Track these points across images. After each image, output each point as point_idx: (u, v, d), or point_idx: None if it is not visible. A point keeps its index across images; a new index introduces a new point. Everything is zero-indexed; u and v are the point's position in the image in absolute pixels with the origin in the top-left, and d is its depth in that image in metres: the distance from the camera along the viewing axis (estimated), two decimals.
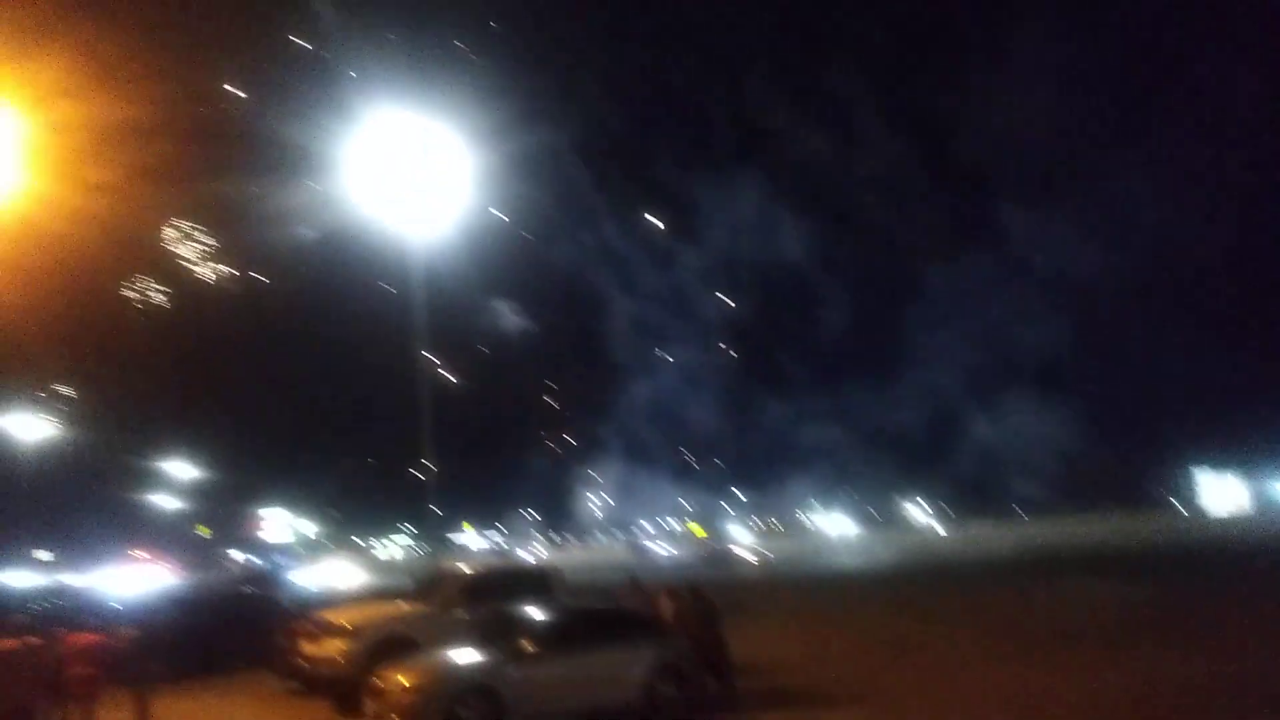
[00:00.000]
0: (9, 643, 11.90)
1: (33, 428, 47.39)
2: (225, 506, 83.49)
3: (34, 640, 12.43)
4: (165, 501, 68.84)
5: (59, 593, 29.45)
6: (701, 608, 14.52)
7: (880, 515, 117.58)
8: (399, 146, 25.27)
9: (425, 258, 27.38)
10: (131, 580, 44.06)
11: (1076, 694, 12.93)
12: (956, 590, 30.03)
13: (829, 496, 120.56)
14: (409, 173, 25.11)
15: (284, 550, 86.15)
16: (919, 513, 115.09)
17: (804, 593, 33.85)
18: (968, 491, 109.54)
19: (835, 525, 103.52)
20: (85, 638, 12.88)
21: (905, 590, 31.31)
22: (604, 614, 15.02)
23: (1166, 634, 17.73)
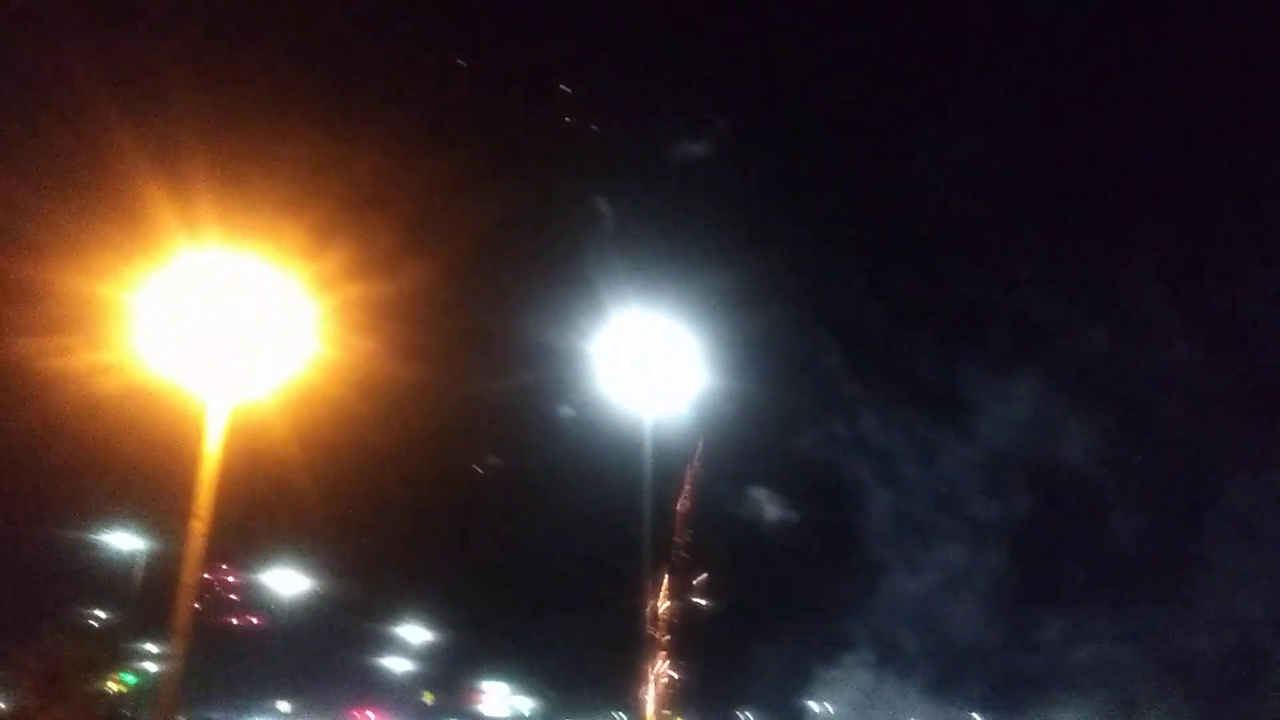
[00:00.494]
0: None
1: (291, 583, 51.39)
2: (450, 674, 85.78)
3: None
4: (397, 663, 71.72)
5: None
6: None
7: None
8: (648, 333, 26.68)
9: (667, 444, 28.20)
10: None
11: None
12: None
13: None
14: (653, 360, 26.34)
15: None
16: None
17: None
18: None
19: None
20: None
21: None
22: None
23: None
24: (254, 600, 56.18)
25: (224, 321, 17.23)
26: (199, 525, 16.19)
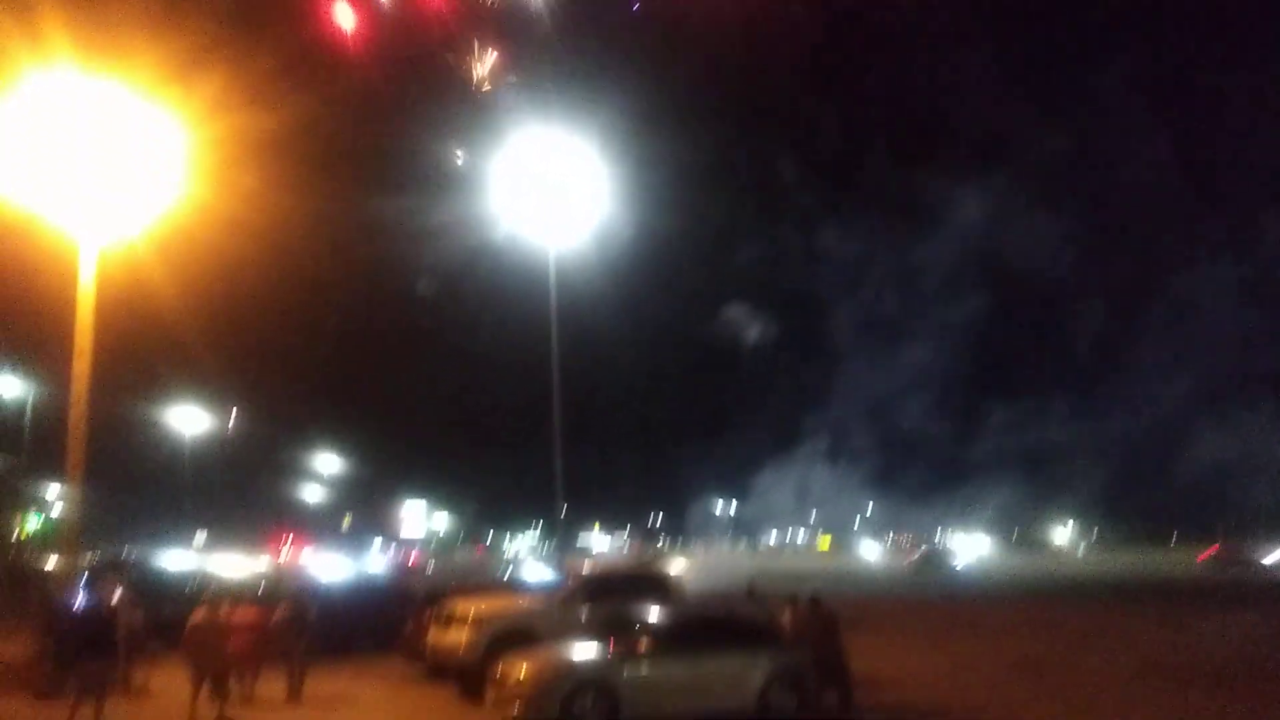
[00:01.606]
0: (206, 614, 13.01)
1: (193, 421, 50.73)
2: (367, 499, 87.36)
3: (228, 613, 13.52)
4: (312, 493, 72.61)
5: (210, 576, 31.46)
6: (821, 618, 14.26)
7: (1024, 537, 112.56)
8: (561, 149, 25.84)
9: (579, 271, 27.95)
10: (276, 566, 46.70)
11: None
12: (1101, 617, 28.48)
13: (980, 515, 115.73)
14: (559, 173, 25.62)
15: (419, 542, 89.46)
16: (1064, 535, 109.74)
17: (933, 609, 32.80)
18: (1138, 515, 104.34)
19: (972, 545, 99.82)
20: (250, 613, 14.08)
21: (1044, 613, 29.90)
22: (722, 619, 14.93)
23: None
24: (158, 437, 55.40)
25: (88, 154, 16.01)
26: (81, 365, 15.62)
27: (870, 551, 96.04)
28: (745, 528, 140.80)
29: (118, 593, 14.41)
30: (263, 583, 25.16)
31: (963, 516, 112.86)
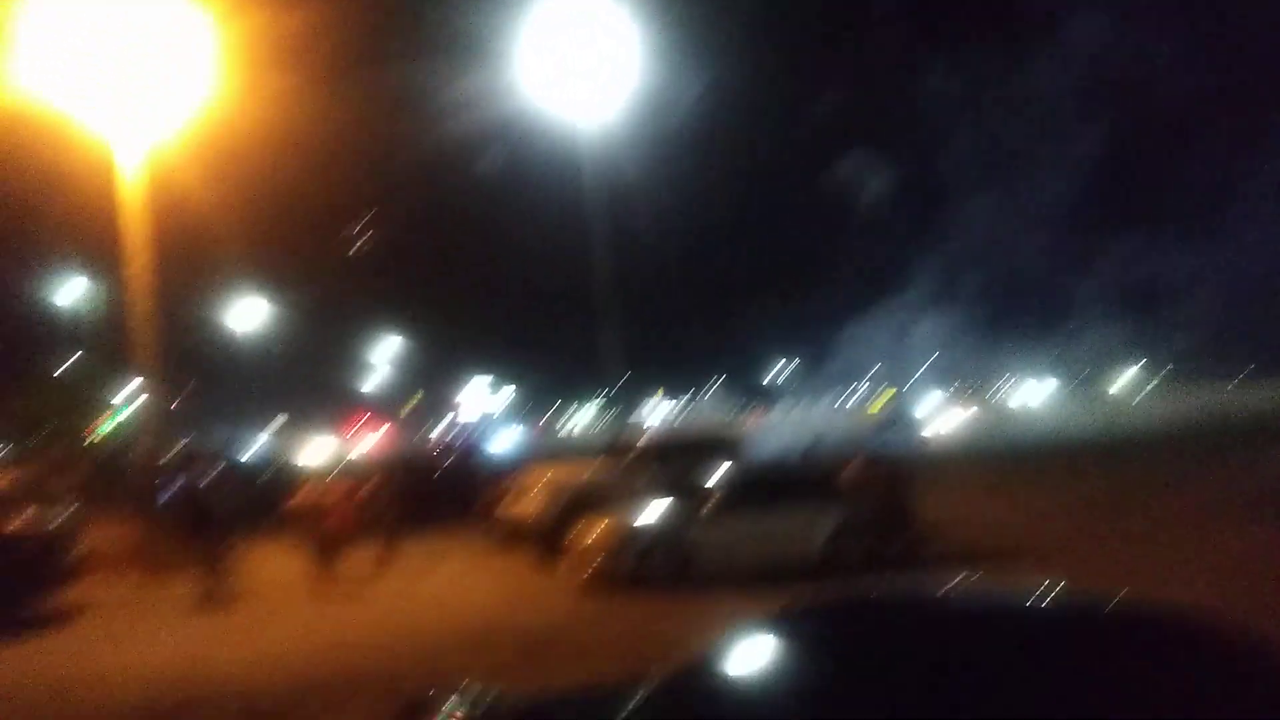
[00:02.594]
0: (310, 490, 14.42)
1: (249, 316, 51.96)
2: (433, 378, 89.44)
3: (327, 489, 14.70)
4: (380, 374, 74.72)
5: (297, 459, 32.89)
6: (887, 469, 14.40)
7: (1089, 384, 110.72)
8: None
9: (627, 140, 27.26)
10: (350, 446, 48.53)
11: None
12: (1172, 457, 28.25)
13: (1054, 360, 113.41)
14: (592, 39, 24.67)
15: (486, 417, 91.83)
16: (1124, 381, 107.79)
17: (1000, 460, 32.92)
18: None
19: (1037, 391, 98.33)
20: (345, 489, 14.95)
21: (1111, 456, 29.80)
22: (788, 472, 15.19)
23: None
24: (226, 332, 56.97)
25: (126, 56, 15.86)
26: (139, 262, 15.93)
27: (928, 405, 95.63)
28: (811, 387, 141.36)
29: (212, 474, 15.20)
30: (349, 461, 26.28)
31: (1038, 363, 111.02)
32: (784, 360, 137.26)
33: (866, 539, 13.23)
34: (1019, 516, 17.17)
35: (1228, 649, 2.80)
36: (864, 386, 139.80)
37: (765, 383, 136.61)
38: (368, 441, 60.62)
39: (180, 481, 15.79)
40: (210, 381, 62.08)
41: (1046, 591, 3.68)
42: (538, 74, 24.73)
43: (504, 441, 38.90)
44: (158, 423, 16.93)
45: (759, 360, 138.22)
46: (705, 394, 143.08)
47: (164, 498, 14.99)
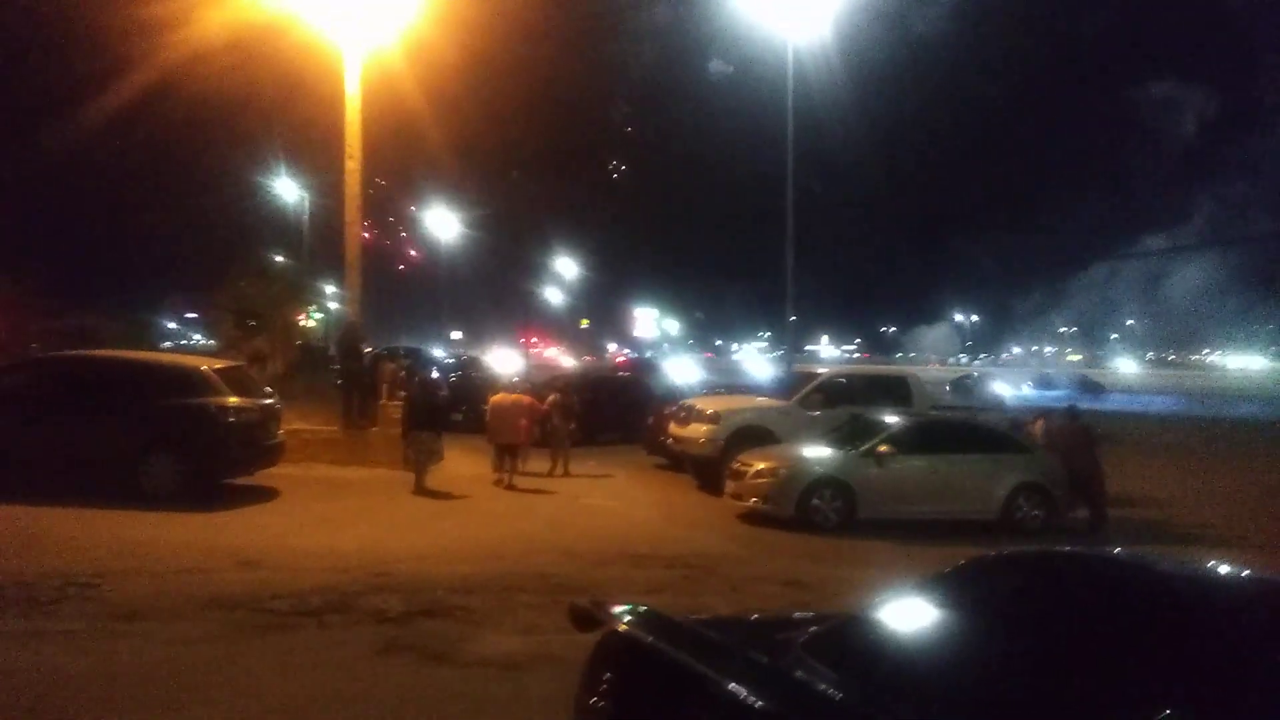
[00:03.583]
0: (506, 398, 15.19)
1: (448, 225, 53.90)
2: (605, 303, 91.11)
3: (519, 398, 15.45)
4: (554, 295, 76.57)
5: (476, 363, 34.38)
6: (1076, 432, 13.59)
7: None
8: None
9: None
10: (538, 360, 50.20)
11: None
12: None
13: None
14: None
15: (654, 344, 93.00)
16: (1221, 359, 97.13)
17: (1196, 432, 30.57)
18: None
19: (1244, 362, 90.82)
20: (529, 400, 15.66)
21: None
22: (967, 426, 14.60)
23: None
24: (418, 242, 59.75)
25: None
26: (352, 164, 16.73)
27: (1127, 368, 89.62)
28: (985, 341, 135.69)
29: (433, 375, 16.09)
30: (529, 374, 27.26)
31: (1241, 331, 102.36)
32: (967, 315, 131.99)
33: (1050, 502, 12.58)
34: (1213, 496, 15.96)
35: None
36: (1050, 347, 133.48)
37: (940, 334, 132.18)
38: (545, 357, 62.69)
39: (412, 376, 16.99)
40: (401, 289, 65.58)
41: (1218, 570, 3.51)
42: None
43: (675, 369, 39.23)
44: (351, 319, 17.91)
45: (934, 309, 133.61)
46: (873, 341, 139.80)
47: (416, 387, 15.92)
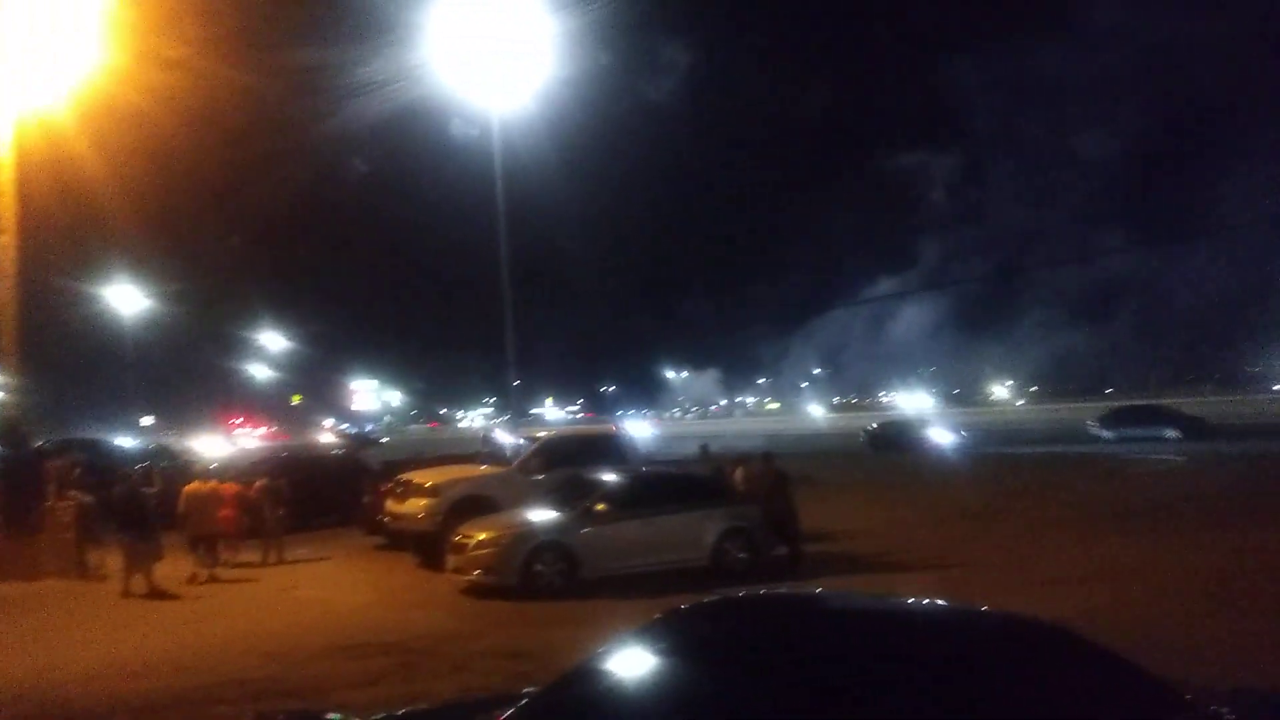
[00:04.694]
0: (197, 487, 14.31)
1: (131, 300, 49.23)
2: (317, 377, 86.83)
3: (219, 486, 14.69)
4: (260, 371, 71.86)
5: (168, 452, 31.37)
6: (772, 475, 14.65)
7: (962, 394, 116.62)
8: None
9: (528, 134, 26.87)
10: (229, 443, 46.59)
11: (1168, 563, 12.63)
12: (1040, 468, 29.68)
13: (918, 370, 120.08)
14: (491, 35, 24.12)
15: (372, 418, 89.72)
16: (1001, 391, 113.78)
17: (878, 467, 33.94)
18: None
19: (914, 402, 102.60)
20: (232, 488, 14.82)
21: (985, 467, 31.07)
22: (675, 479, 15.29)
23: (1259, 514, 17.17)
24: (95, 318, 53.94)
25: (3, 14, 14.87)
26: (5, 240, 14.91)
27: (816, 413, 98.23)
28: (696, 394, 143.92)
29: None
30: (232, 459, 25.22)
31: (911, 375, 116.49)
32: (676, 369, 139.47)
33: (753, 544, 13.41)
34: (902, 525, 17.74)
35: (1074, 658, 2.97)
36: (749, 397, 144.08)
37: (654, 389, 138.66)
38: (250, 439, 58.39)
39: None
40: (78, 371, 58.76)
41: (916, 601, 3.85)
42: (446, 56, 24.16)
43: (391, 441, 38.04)
44: (12, 413, 15.83)
45: (650, 367, 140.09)
46: (595, 401, 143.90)
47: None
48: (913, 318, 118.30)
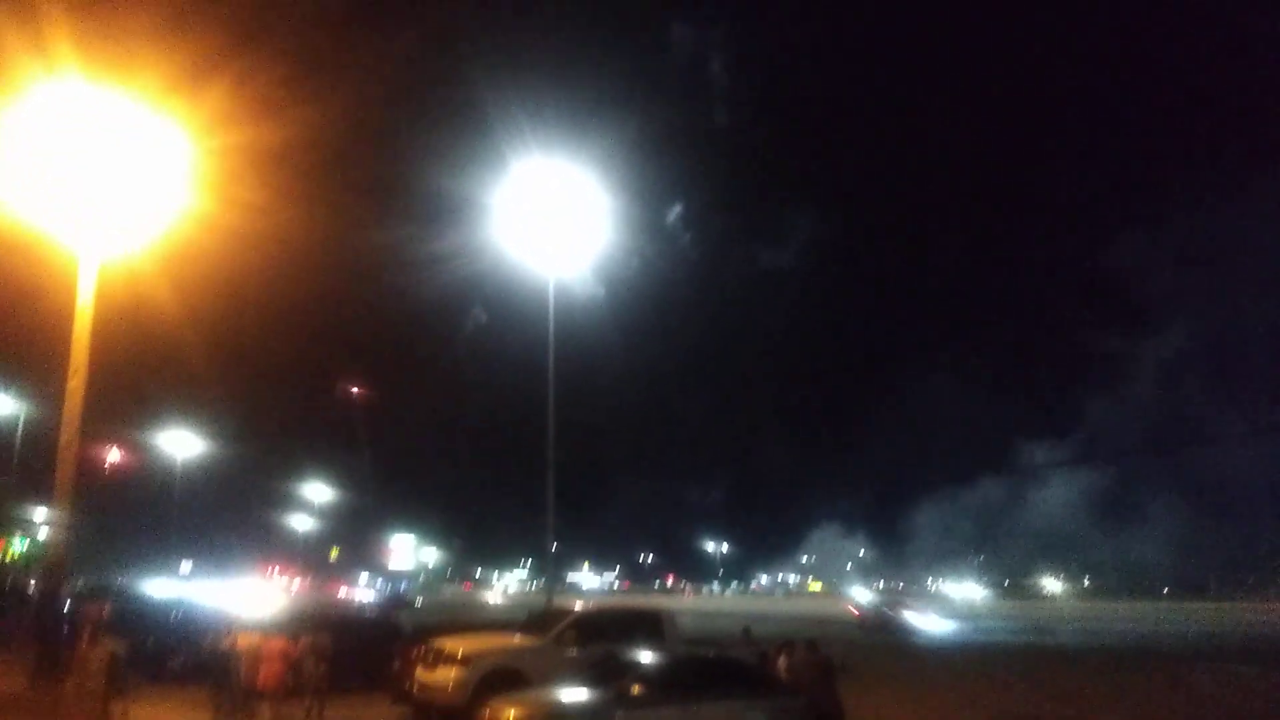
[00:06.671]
0: (241, 641, 14.14)
1: (187, 444, 50.18)
2: (357, 529, 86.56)
3: (265, 640, 14.40)
4: (301, 522, 71.86)
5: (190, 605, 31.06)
6: (817, 664, 13.99)
7: (1013, 585, 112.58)
8: (550, 189, 25.66)
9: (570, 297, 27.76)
10: (271, 595, 46.11)
11: None
12: (1094, 669, 28.03)
13: (966, 561, 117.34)
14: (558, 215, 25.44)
15: (407, 576, 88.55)
16: (1054, 585, 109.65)
17: (923, 659, 32.33)
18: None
19: (963, 591, 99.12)
20: (278, 642, 14.52)
21: (1036, 665, 29.42)
22: (717, 663, 14.64)
23: None
24: (148, 462, 54.82)
25: (91, 165, 15.90)
26: (76, 384, 15.38)
27: (861, 596, 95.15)
28: (737, 569, 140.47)
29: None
30: (274, 614, 24.91)
31: (959, 565, 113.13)
32: (717, 542, 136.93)
33: None
34: None
35: None
36: (794, 576, 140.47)
37: (694, 561, 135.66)
38: (292, 592, 57.77)
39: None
40: (127, 513, 59.27)
41: None
42: (508, 229, 25.25)
43: (427, 602, 37.38)
44: (57, 553, 15.87)
45: (691, 539, 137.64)
46: (633, 568, 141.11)
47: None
48: (962, 506, 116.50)
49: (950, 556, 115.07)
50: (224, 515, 70.20)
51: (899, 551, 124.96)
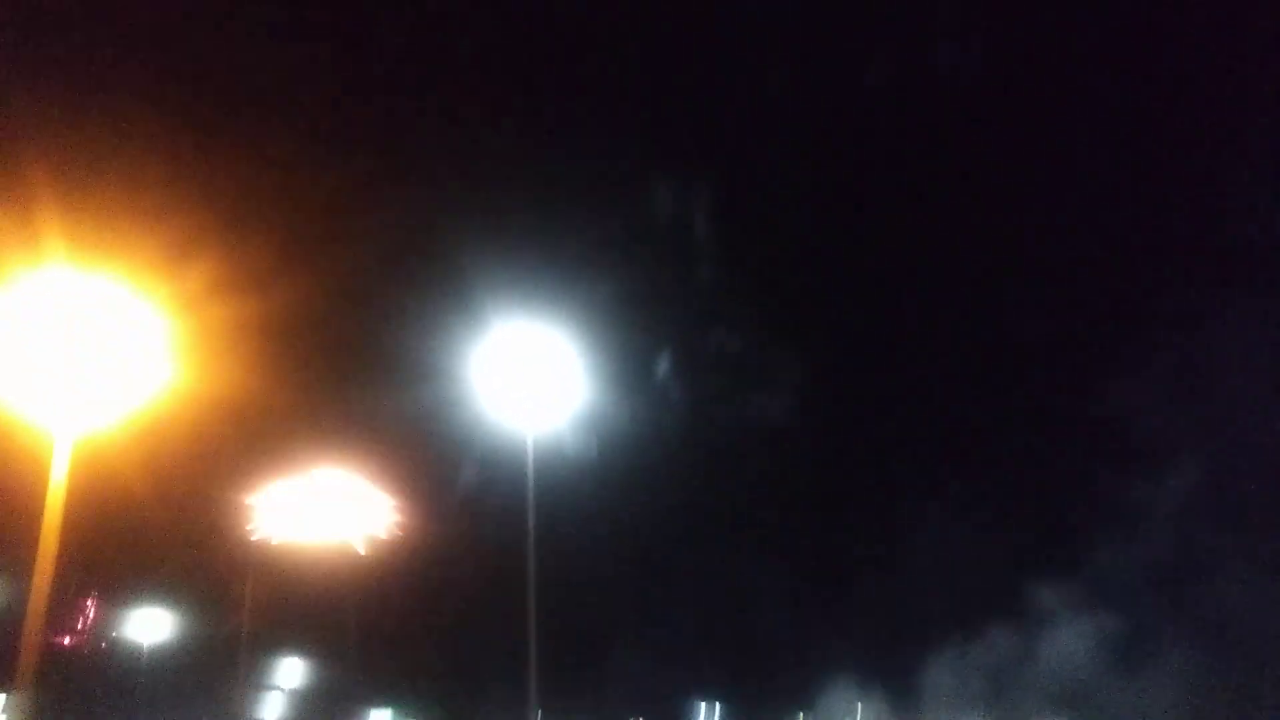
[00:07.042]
0: None
1: (154, 628, 48.32)
2: (329, 707, 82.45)
3: None
4: (273, 700, 68.35)
5: None
6: None
7: None
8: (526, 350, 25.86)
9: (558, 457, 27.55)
10: None
11: None
12: None
13: None
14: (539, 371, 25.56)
15: None
16: None
17: None
18: None
19: None
20: None
21: None
22: None
23: None
24: (120, 643, 52.40)
25: (69, 347, 15.91)
26: (45, 564, 14.84)
27: None
28: None
29: None
30: None
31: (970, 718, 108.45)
32: (711, 704, 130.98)
33: None
34: None
35: None
36: None
37: None
38: None
39: None
40: (91, 700, 56.24)
41: None
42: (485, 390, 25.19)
43: None
44: None
45: (682, 701, 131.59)
46: None
47: None
48: (971, 660, 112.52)
49: (959, 711, 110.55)
50: (195, 702, 66.80)
51: (904, 706, 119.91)
